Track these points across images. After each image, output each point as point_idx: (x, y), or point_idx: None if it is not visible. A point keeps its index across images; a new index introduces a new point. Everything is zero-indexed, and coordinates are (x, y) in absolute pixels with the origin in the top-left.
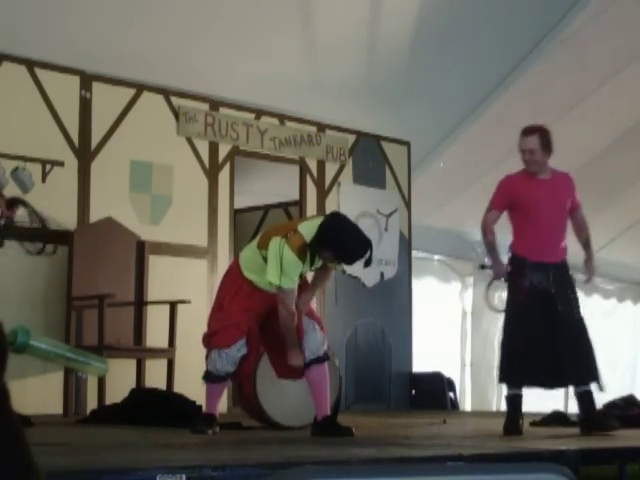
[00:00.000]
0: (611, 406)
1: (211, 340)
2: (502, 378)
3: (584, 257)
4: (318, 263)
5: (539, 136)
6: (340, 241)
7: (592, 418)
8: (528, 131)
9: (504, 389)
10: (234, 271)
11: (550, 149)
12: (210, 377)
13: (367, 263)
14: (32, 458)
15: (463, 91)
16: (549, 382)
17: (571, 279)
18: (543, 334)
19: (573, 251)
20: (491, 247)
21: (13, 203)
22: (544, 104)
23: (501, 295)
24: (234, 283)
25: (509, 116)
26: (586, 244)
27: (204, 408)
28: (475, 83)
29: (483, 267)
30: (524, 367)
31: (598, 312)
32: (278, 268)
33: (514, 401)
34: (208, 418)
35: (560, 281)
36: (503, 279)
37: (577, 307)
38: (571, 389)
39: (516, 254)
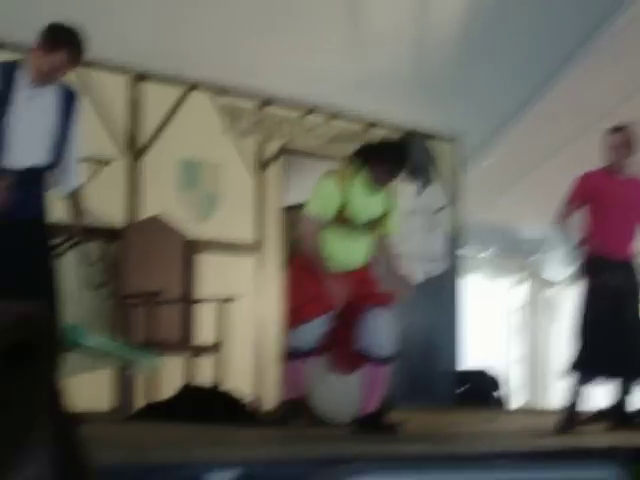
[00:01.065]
0: None
1: (293, 317)
2: (571, 371)
3: None
4: (374, 208)
5: (626, 134)
6: (375, 147)
7: (626, 414)
8: (616, 129)
9: (555, 386)
10: (298, 259)
11: (633, 149)
12: (293, 353)
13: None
14: (86, 454)
15: (513, 86)
16: (619, 372)
17: (638, 280)
18: (615, 327)
19: None
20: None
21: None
22: (593, 100)
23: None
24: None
25: (558, 112)
26: None
27: (286, 394)
28: (524, 78)
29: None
30: (598, 358)
31: None
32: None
33: (574, 395)
34: (289, 405)
35: (629, 280)
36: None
37: None
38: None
39: (591, 251)
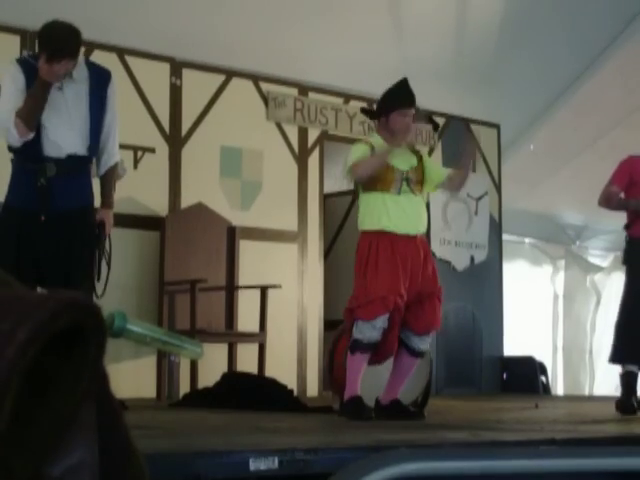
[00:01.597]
0: None
1: (355, 312)
2: (614, 358)
3: None
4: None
5: None
6: (380, 99)
7: None
8: None
9: (599, 373)
10: (360, 241)
11: None
12: (357, 345)
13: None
14: (132, 440)
15: (552, 73)
16: None
17: None
18: None
19: None
20: (627, 202)
21: None
22: (636, 86)
23: None
24: (368, 252)
25: (600, 98)
26: None
27: (349, 390)
28: (565, 64)
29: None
30: (636, 347)
31: None
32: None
33: (629, 379)
34: (355, 402)
35: None
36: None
37: None
38: None
39: (633, 236)
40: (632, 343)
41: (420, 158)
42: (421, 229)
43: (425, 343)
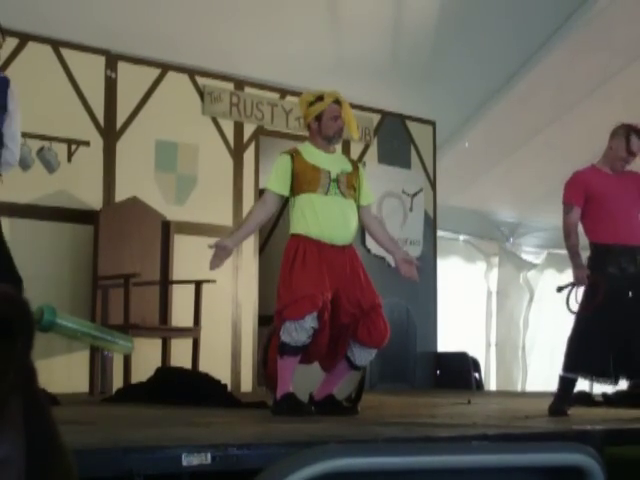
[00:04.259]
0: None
1: (283, 313)
2: (569, 369)
3: None
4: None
5: None
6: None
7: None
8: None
9: (531, 369)
10: (288, 243)
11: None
12: (286, 348)
13: None
14: (59, 436)
15: (488, 70)
16: (616, 377)
17: None
18: (621, 324)
19: None
20: (575, 250)
21: None
22: (569, 84)
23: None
24: (295, 254)
25: (534, 95)
26: None
27: (281, 388)
28: (500, 62)
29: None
30: (595, 360)
31: None
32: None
33: (568, 383)
34: (289, 399)
35: None
36: (584, 284)
37: None
38: None
39: (597, 242)
40: (587, 354)
41: (356, 167)
42: (349, 237)
43: (370, 357)
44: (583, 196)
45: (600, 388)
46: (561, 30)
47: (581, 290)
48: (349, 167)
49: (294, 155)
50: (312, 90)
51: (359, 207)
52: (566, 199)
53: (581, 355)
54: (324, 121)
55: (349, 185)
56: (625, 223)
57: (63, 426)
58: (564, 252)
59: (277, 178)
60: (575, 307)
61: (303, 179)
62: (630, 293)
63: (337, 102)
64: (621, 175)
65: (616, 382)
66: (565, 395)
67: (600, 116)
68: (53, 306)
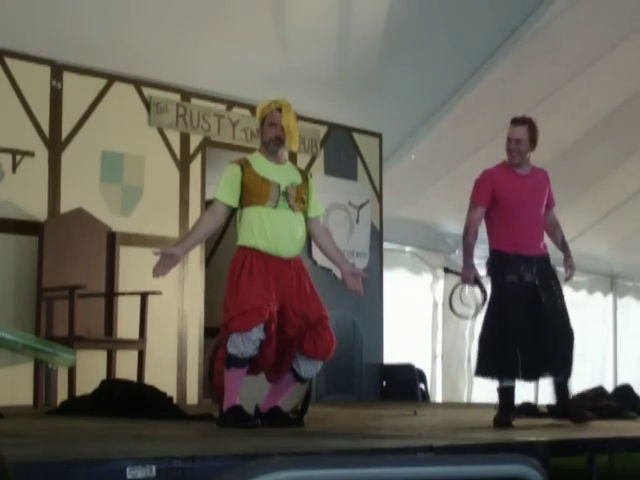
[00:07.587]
0: (581, 397)
1: (229, 325)
2: (479, 372)
3: (563, 257)
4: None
5: (528, 128)
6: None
7: (567, 408)
8: (519, 121)
9: (476, 381)
10: (235, 255)
11: (535, 143)
12: (232, 360)
13: None
14: None
15: (434, 83)
16: (527, 375)
17: (554, 271)
18: (525, 328)
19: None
20: (470, 250)
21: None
22: (514, 97)
23: (467, 298)
24: (241, 266)
25: (480, 109)
26: (563, 244)
27: (227, 401)
28: (446, 75)
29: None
30: (503, 360)
31: (568, 304)
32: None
33: (506, 393)
34: (236, 411)
35: (544, 273)
36: (470, 284)
37: (561, 298)
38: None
39: (498, 249)
40: (494, 359)
41: (305, 179)
42: (296, 250)
43: (316, 369)
44: (490, 196)
45: (545, 399)
46: (505, 44)
47: (467, 290)
48: (299, 179)
49: (244, 166)
50: (264, 99)
51: (308, 219)
52: (472, 197)
53: (489, 358)
54: (264, 127)
55: (298, 198)
56: (529, 230)
57: (6, 439)
58: None
59: (226, 189)
60: (459, 308)
61: (252, 192)
62: (528, 296)
63: (280, 110)
64: (530, 174)
65: (535, 379)
66: (507, 405)
67: (544, 130)
68: None
